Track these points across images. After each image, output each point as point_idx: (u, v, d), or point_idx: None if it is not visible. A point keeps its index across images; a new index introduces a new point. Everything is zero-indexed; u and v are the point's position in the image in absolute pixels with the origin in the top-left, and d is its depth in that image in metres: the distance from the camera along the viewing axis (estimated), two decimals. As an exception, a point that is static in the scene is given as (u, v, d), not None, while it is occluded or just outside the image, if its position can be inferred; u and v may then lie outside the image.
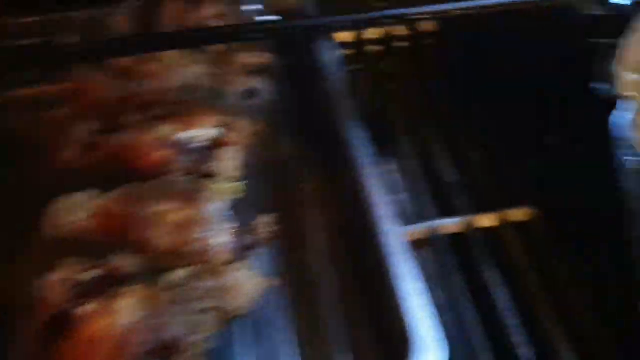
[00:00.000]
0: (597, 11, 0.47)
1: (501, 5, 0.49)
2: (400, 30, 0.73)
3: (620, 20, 0.51)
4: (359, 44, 0.72)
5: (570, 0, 0.49)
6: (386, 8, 0.67)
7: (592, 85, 0.49)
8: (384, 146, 0.66)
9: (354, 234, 0.46)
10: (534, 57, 0.59)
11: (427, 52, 0.73)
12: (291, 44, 0.59)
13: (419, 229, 0.57)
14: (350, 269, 0.46)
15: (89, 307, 0.38)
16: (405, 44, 0.74)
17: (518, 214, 0.58)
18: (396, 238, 0.45)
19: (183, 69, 0.51)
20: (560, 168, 0.57)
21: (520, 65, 0.60)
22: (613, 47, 0.50)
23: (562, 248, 0.55)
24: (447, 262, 0.54)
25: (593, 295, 0.52)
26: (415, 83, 0.71)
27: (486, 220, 0.58)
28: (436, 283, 0.53)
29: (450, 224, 0.58)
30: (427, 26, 0.73)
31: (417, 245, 0.57)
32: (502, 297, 0.52)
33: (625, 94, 0.47)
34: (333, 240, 0.47)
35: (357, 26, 0.61)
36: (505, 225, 0.57)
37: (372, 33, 0.73)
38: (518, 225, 0.57)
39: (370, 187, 0.47)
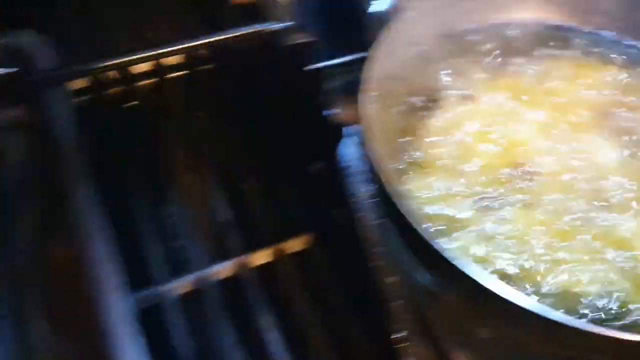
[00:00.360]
0: (305, 38, 0.46)
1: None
2: (175, 59, 0.69)
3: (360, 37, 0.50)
4: (129, 79, 0.68)
5: (276, 30, 0.47)
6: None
7: (324, 112, 0.48)
8: (161, 188, 0.62)
9: (79, 309, 0.42)
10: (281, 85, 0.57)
11: (202, 80, 0.69)
12: (21, 98, 0.53)
13: (189, 280, 0.53)
14: (77, 349, 0.41)
15: None
16: (181, 73, 0.70)
17: (294, 244, 0.56)
18: (123, 311, 0.41)
19: None
20: (324, 192, 0.55)
21: (273, 90, 0.58)
22: (337, 70, 0.49)
23: (336, 274, 0.54)
24: (219, 311, 0.51)
25: (365, 322, 0.50)
26: (192, 115, 0.68)
27: (261, 257, 0.55)
28: (205, 335, 0.50)
29: (223, 268, 0.54)
30: (199, 53, 0.69)
31: (188, 297, 0.53)
32: (275, 338, 0.49)
33: (354, 119, 0.45)
34: (56, 318, 0.42)
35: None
36: (280, 258, 0.55)
37: (142, 67, 0.68)
38: (294, 256, 0.55)
39: (98, 255, 0.43)
